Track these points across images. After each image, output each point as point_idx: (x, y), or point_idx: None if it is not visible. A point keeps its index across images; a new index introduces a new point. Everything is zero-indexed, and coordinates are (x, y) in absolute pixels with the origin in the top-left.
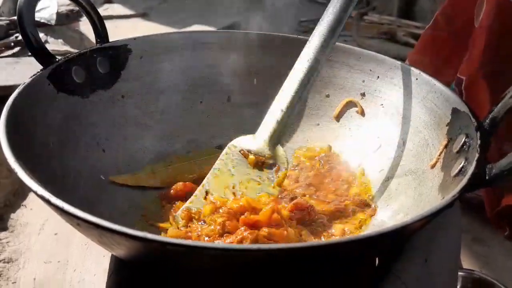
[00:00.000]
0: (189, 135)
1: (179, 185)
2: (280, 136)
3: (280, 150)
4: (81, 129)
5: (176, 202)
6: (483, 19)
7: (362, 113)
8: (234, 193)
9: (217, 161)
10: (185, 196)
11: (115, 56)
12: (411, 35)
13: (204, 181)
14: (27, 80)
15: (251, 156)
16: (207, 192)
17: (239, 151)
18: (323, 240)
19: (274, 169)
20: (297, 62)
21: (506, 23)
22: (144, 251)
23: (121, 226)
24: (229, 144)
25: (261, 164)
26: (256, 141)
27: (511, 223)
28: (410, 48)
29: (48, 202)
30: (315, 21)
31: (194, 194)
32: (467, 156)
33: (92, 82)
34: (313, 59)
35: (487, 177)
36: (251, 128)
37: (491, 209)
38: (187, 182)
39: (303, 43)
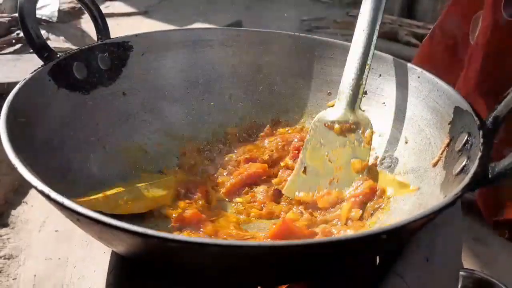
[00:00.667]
0: (190, 132)
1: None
2: (356, 101)
3: (360, 113)
4: (82, 126)
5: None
6: (479, 36)
7: None
8: (330, 160)
9: (307, 138)
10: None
11: (116, 53)
12: (412, 35)
13: (301, 156)
14: (27, 76)
15: (336, 126)
16: (305, 167)
17: (324, 125)
18: (321, 238)
19: (360, 131)
20: (354, 33)
21: (503, 41)
22: (144, 247)
23: (120, 222)
24: (313, 121)
25: (346, 131)
26: (336, 112)
27: (510, 228)
28: (412, 47)
29: (48, 197)
30: (317, 20)
31: (295, 169)
32: (469, 155)
33: (93, 78)
34: (369, 27)
35: (490, 176)
36: (253, 126)
37: (489, 216)
38: (195, 211)
39: (306, 40)
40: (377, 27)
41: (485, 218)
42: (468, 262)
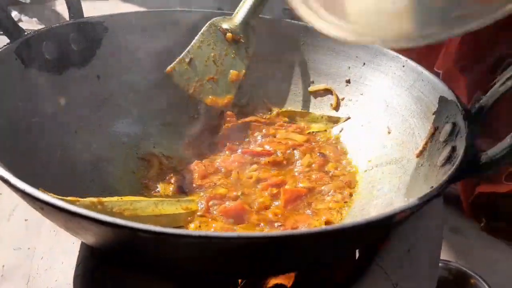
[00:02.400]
0: (165, 117)
1: None
2: (250, 19)
3: (251, 32)
4: (52, 109)
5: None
6: None
7: (336, 107)
8: (214, 62)
9: (198, 35)
10: None
11: (90, 33)
12: None
13: (189, 48)
14: None
15: (229, 34)
16: (191, 59)
17: (218, 29)
18: (303, 229)
19: (245, 47)
20: None
21: None
22: (114, 238)
23: (88, 211)
24: (209, 23)
25: (236, 41)
26: (232, 21)
27: (487, 214)
28: None
29: (7, 183)
30: None
31: (179, 57)
32: (455, 145)
33: (64, 59)
34: None
35: (478, 164)
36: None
37: (466, 199)
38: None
39: (288, 26)
40: None
41: (463, 206)
42: (443, 253)
